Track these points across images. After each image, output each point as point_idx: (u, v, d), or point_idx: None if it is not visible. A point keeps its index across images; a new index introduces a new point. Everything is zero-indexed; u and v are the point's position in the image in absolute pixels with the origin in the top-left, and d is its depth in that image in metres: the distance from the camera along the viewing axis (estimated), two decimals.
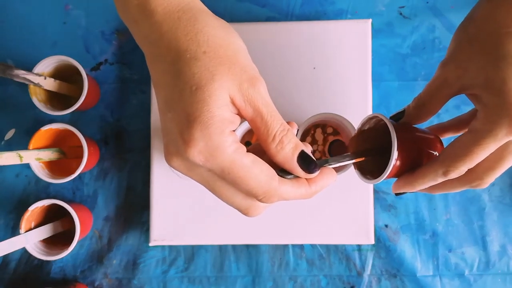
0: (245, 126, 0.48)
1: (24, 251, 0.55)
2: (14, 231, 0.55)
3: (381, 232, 0.55)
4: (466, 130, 0.31)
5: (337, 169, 0.43)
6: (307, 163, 0.29)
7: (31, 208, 0.50)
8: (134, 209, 0.56)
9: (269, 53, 0.53)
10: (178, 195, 0.53)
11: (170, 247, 0.55)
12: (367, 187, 0.53)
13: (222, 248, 0.55)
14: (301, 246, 0.55)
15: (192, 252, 0.55)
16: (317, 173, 0.30)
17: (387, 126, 0.34)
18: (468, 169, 0.31)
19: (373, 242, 0.53)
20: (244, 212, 0.31)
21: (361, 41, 0.53)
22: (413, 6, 0.56)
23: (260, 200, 0.29)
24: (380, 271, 0.55)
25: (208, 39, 0.28)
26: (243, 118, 0.29)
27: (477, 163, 0.31)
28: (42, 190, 0.56)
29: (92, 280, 0.55)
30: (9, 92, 0.56)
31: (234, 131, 0.28)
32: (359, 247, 0.55)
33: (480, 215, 0.55)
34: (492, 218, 0.55)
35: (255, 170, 0.28)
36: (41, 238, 0.50)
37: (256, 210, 0.31)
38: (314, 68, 0.54)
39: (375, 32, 0.56)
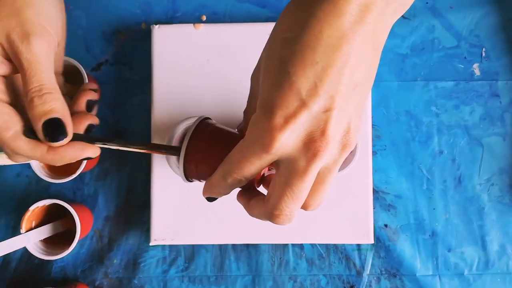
0: None
1: (24, 250, 0.55)
2: (14, 231, 0.56)
3: (380, 232, 0.55)
4: None
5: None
6: (51, 131, 0.29)
7: (31, 208, 0.50)
8: (134, 208, 0.56)
9: None
10: (179, 194, 0.53)
11: (171, 246, 0.55)
12: (366, 187, 0.53)
13: (222, 248, 0.55)
14: (301, 246, 0.55)
15: (193, 252, 0.55)
16: (59, 143, 0.30)
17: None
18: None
19: (372, 241, 0.53)
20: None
21: None
22: (412, 7, 0.56)
23: None
24: (379, 270, 0.55)
25: None
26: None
27: (249, 174, 0.28)
28: (42, 190, 0.56)
29: (92, 279, 0.55)
30: None
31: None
32: (358, 247, 0.55)
33: (480, 215, 0.56)
34: (491, 218, 0.56)
35: None
36: (42, 238, 0.51)
37: (13, 157, 0.31)
38: None
39: None
